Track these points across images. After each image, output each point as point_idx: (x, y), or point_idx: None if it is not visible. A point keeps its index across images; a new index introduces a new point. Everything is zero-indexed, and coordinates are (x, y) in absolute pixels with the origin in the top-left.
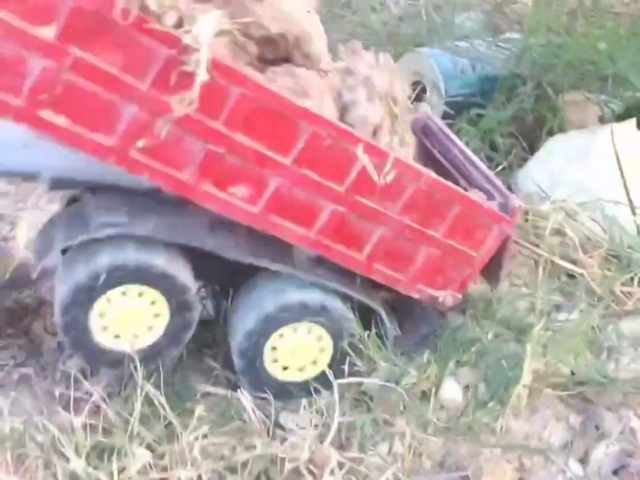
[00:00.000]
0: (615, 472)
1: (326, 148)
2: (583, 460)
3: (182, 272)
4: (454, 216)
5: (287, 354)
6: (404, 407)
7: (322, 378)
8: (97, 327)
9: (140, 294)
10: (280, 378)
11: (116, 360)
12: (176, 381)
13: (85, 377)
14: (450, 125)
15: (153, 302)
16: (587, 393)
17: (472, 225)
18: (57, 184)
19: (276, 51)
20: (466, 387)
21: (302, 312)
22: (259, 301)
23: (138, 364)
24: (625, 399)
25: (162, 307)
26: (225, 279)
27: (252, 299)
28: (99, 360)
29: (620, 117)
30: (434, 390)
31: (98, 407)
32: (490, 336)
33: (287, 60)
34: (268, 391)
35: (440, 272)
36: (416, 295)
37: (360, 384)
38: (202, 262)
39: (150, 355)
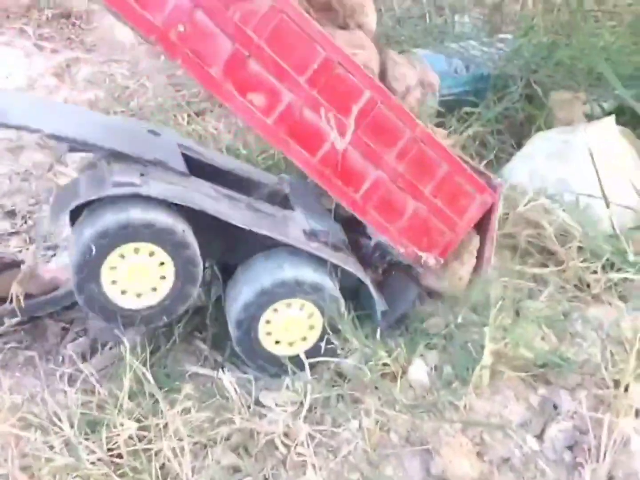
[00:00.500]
0: (570, 448)
1: (336, 76)
2: (539, 437)
3: (188, 232)
4: (441, 176)
5: (279, 328)
6: (375, 387)
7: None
8: (107, 281)
9: (150, 253)
10: (271, 351)
11: (127, 317)
12: (168, 362)
13: (85, 359)
14: (440, 124)
15: (162, 263)
16: (547, 375)
17: (458, 190)
18: (76, 146)
19: (334, 19)
20: (434, 369)
21: (297, 289)
22: (256, 276)
23: (127, 344)
24: (582, 380)
25: (169, 268)
26: (226, 256)
27: (251, 275)
28: (111, 317)
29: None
30: (401, 371)
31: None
32: (459, 320)
33: (342, 28)
34: (260, 362)
35: (425, 232)
36: (401, 250)
37: (338, 363)
38: (205, 238)
39: (157, 312)
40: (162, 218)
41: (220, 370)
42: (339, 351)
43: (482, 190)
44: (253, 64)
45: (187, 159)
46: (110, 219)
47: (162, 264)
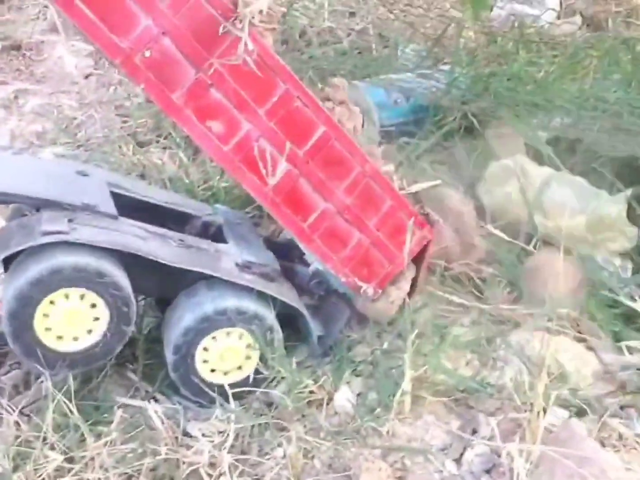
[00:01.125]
0: (487, 472)
1: (294, 109)
2: (458, 461)
3: (120, 275)
4: (385, 210)
5: (216, 356)
6: (302, 415)
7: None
8: (41, 329)
9: (81, 297)
10: (207, 378)
11: (65, 361)
12: (99, 394)
13: (19, 391)
14: None
15: (93, 305)
16: (468, 400)
17: (399, 225)
18: (4, 198)
19: None
20: (359, 395)
21: (237, 318)
22: (199, 303)
23: (48, 376)
24: (501, 405)
25: (102, 310)
26: (163, 292)
27: (193, 301)
28: (49, 363)
29: (549, 144)
30: (327, 398)
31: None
32: (385, 346)
33: None
34: (194, 389)
35: (366, 263)
36: (343, 279)
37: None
38: (140, 276)
39: (92, 355)
40: (93, 262)
41: (149, 401)
42: (269, 380)
43: (421, 226)
44: (214, 93)
45: (118, 197)
46: (40, 267)
47: (94, 306)
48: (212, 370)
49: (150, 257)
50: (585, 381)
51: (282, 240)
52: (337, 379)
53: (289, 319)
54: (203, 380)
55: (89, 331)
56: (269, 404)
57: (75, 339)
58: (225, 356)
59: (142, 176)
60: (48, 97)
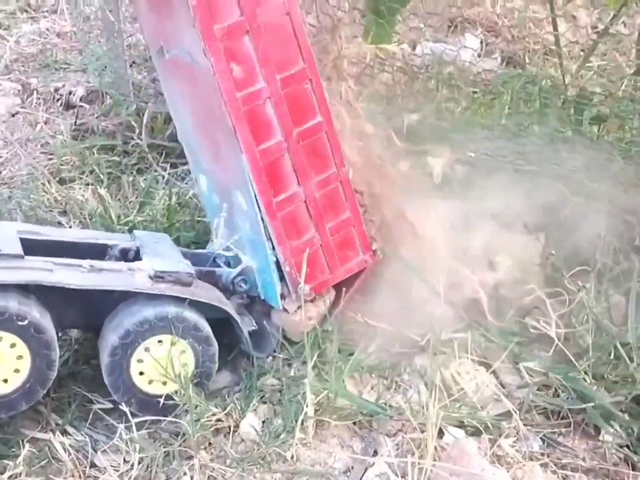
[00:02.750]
0: None
1: (303, 90)
2: None
3: (35, 313)
4: (343, 219)
5: (151, 366)
6: (209, 443)
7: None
8: None
9: None
10: (147, 390)
11: None
12: (10, 428)
13: None
14: None
15: (13, 345)
16: (373, 422)
17: (349, 239)
18: None
19: None
20: (265, 422)
21: (160, 327)
22: (119, 322)
23: None
24: (403, 426)
25: (23, 350)
26: (89, 321)
27: (114, 324)
28: None
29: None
30: (234, 426)
31: None
32: (293, 373)
33: None
34: (136, 403)
35: (310, 263)
36: (286, 268)
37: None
38: (59, 310)
39: (16, 398)
40: (6, 304)
41: (57, 433)
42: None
43: (366, 249)
44: (247, 40)
45: (28, 241)
46: None
47: (14, 345)
48: (150, 382)
49: (58, 286)
50: (484, 402)
51: (204, 251)
52: (244, 406)
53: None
54: (143, 392)
55: (5, 380)
56: (177, 434)
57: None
58: (159, 366)
59: (65, 212)
60: None
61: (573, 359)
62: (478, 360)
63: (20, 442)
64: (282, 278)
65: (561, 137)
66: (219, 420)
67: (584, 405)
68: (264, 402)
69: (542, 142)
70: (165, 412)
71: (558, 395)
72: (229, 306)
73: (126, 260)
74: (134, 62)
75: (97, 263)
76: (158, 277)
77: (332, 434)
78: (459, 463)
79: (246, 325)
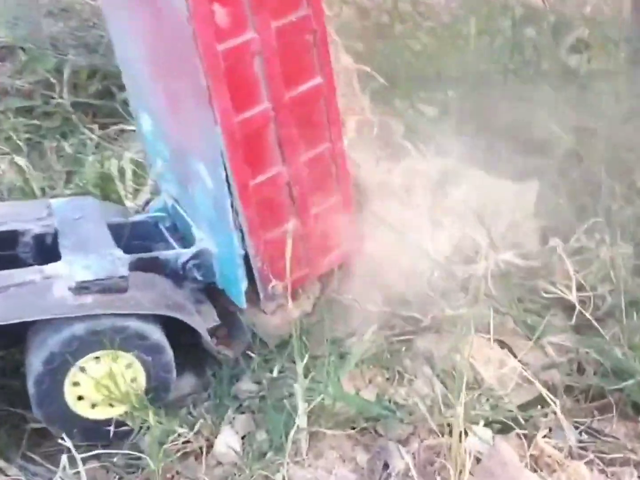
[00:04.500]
0: None
1: (303, 42)
2: None
3: None
4: (330, 205)
5: (91, 388)
6: (176, 472)
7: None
8: None
9: None
10: (90, 417)
11: None
12: None
13: None
14: None
15: None
16: (377, 427)
17: (334, 228)
18: None
19: None
20: (245, 438)
21: (93, 342)
22: (43, 341)
23: None
24: (415, 429)
25: None
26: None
27: (37, 341)
28: None
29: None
30: (206, 445)
31: None
32: (275, 373)
33: None
34: (80, 433)
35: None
36: (257, 264)
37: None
38: None
39: None
40: None
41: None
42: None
43: (353, 238)
44: None
45: None
46: None
47: None
48: (86, 402)
49: None
50: (504, 387)
51: (137, 220)
52: (217, 420)
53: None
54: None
55: None
56: (135, 465)
57: None
58: (99, 385)
59: None
60: None
61: (599, 328)
62: (490, 338)
63: None
64: (248, 272)
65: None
66: (187, 442)
67: (623, 384)
68: (242, 412)
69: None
70: (117, 439)
71: (583, 372)
72: (178, 311)
73: (42, 250)
74: (49, 12)
75: (3, 278)
76: (81, 288)
77: (329, 446)
78: (497, 476)
79: (207, 320)
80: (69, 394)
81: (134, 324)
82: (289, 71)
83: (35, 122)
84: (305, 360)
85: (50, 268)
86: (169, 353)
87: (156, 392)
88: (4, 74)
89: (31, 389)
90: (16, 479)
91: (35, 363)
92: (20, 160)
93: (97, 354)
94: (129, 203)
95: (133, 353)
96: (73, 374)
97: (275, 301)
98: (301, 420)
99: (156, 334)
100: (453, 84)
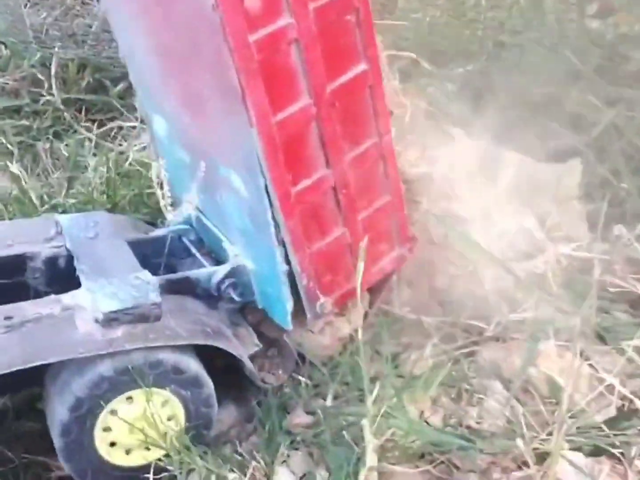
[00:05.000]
0: None
1: (344, 23)
2: None
3: None
4: (380, 206)
5: (124, 433)
6: None
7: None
8: None
9: None
10: (124, 464)
11: None
12: None
13: None
14: None
15: None
16: (451, 458)
17: (385, 231)
18: None
19: None
20: (304, 477)
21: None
22: (66, 385)
23: None
24: (495, 458)
25: None
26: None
27: (59, 385)
28: None
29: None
30: None
31: None
32: (328, 401)
33: None
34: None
35: (333, 269)
36: (303, 281)
37: None
38: None
39: None
40: None
41: None
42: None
43: (405, 241)
44: None
45: None
46: None
47: None
48: (112, 444)
49: None
50: (582, 399)
51: (159, 235)
52: (269, 458)
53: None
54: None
55: None
56: None
57: None
58: (134, 428)
59: None
60: None
61: None
62: (560, 344)
63: None
64: (293, 290)
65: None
66: None
67: None
68: (296, 448)
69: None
70: None
71: None
72: (217, 339)
73: (55, 275)
74: (29, 1)
75: (16, 312)
76: (110, 319)
77: None
78: None
79: (247, 345)
80: (101, 441)
81: (168, 357)
82: (331, 58)
83: (25, 122)
84: (375, 392)
85: (69, 297)
86: (209, 386)
87: (197, 430)
88: None
89: (58, 440)
90: None
91: (59, 411)
92: (14, 167)
93: (129, 393)
94: (169, 215)
95: (170, 389)
96: (103, 419)
97: (323, 318)
98: (371, 459)
99: (194, 366)
100: (472, 59)
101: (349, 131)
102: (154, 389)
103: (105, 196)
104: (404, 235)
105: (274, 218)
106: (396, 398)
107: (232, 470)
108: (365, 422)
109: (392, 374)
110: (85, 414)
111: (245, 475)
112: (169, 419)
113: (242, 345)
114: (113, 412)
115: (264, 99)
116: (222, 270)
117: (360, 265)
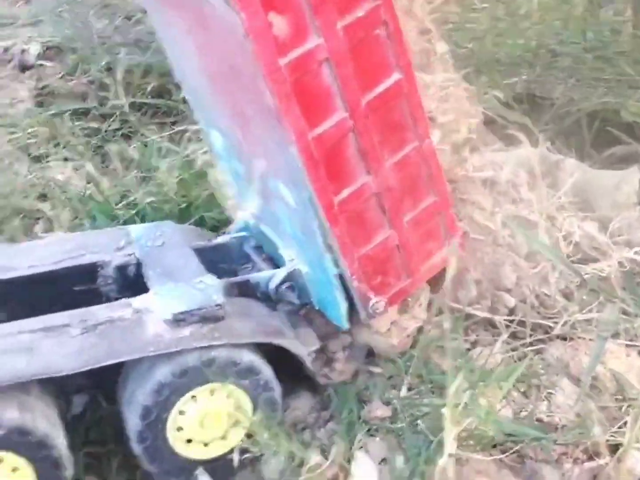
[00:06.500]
0: None
1: (374, 37)
2: None
3: (40, 422)
4: (425, 206)
5: (195, 422)
6: None
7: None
8: None
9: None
10: (183, 454)
11: None
12: None
13: None
14: None
15: (14, 469)
16: (522, 449)
17: (433, 229)
18: None
19: None
20: (382, 462)
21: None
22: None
23: None
24: (566, 448)
25: (26, 473)
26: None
27: (128, 396)
28: None
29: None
30: (342, 476)
31: None
32: (403, 392)
33: None
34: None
35: (382, 270)
36: (354, 284)
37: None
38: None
39: None
40: (3, 415)
41: None
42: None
43: (453, 238)
44: None
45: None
46: None
47: (16, 469)
48: (189, 441)
49: (46, 376)
50: None
51: (221, 242)
52: (348, 444)
53: None
54: (177, 455)
55: None
56: None
57: None
58: (205, 422)
59: (44, 196)
60: None
61: None
62: (625, 344)
63: None
64: (345, 291)
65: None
66: (319, 469)
67: None
68: (372, 435)
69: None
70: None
71: None
72: (278, 337)
73: (125, 282)
74: (92, 8)
75: (90, 315)
76: (178, 320)
77: (475, 470)
78: None
79: (307, 343)
80: (176, 441)
81: (221, 353)
82: (363, 72)
83: (93, 124)
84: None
85: (139, 301)
86: (266, 372)
87: (266, 414)
88: (54, 75)
89: (136, 447)
90: None
91: (132, 420)
92: (89, 166)
93: (192, 393)
94: (239, 215)
95: (230, 381)
96: (173, 421)
97: (388, 316)
98: (450, 446)
99: (247, 357)
100: (527, 68)
101: (387, 139)
102: (216, 384)
103: (179, 196)
104: (452, 232)
105: (320, 226)
106: (472, 390)
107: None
108: (445, 411)
109: (466, 367)
110: (155, 420)
111: (326, 458)
112: (236, 409)
113: (302, 345)
114: (181, 413)
115: (300, 118)
116: (279, 274)
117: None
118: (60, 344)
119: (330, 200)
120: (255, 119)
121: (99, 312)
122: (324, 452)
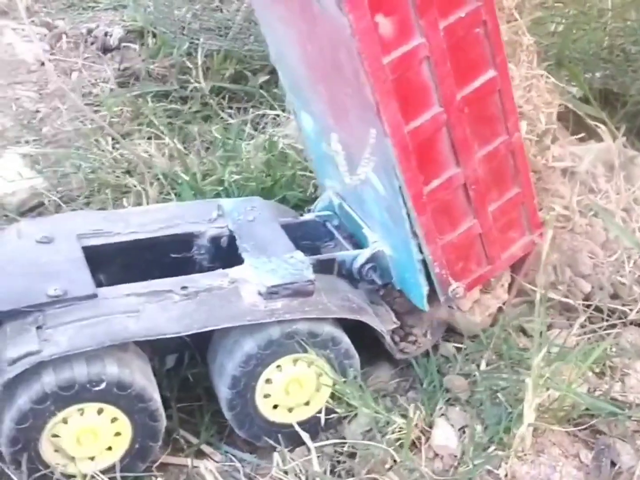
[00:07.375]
0: None
1: (473, 36)
2: None
3: (138, 377)
4: (510, 197)
5: (280, 389)
6: (394, 460)
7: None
8: (50, 451)
9: (99, 411)
10: (268, 417)
11: None
12: None
13: None
14: None
15: (113, 420)
16: (596, 424)
17: (515, 219)
18: None
19: None
20: (461, 430)
21: (308, 343)
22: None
23: None
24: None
25: (123, 424)
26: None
27: (218, 368)
28: None
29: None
30: (424, 438)
31: None
32: (482, 366)
33: None
34: (254, 430)
35: (464, 257)
36: (437, 269)
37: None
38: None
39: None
40: (104, 370)
41: (197, 455)
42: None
43: (536, 227)
44: None
45: (97, 249)
46: (24, 399)
47: (115, 419)
48: (275, 407)
49: (151, 337)
50: None
51: (306, 219)
52: (429, 411)
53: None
54: (264, 419)
55: (109, 448)
56: (340, 451)
57: (92, 458)
58: (290, 389)
59: (129, 173)
60: (2, 90)
61: None
62: None
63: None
64: (427, 275)
65: None
66: (401, 429)
67: None
68: (451, 404)
69: None
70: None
71: None
72: (362, 314)
73: (219, 252)
74: None
75: (191, 282)
76: (271, 293)
77: (550, 442)
78: None
79: (385, 322)
80: (263, 406)
81: (302, 326)
82: (460, 70)
83: (174, 106)
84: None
85: (235, 272)
86: (346, 341)
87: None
88: (136, 58)
89: (226, 413)
90: (231, 465)
91: (222, 389)
92: (177, 144)
93: (277, 362)
94: (323, 194)
95: (310, 352)
96: (261, 389)
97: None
98: (530, 416)
99: (327, 328)
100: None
101: (478, 132)
102: (296, 355)
103: (264, 175)
104: (534, 222)
105: (408, 214)
106: (553, 364)
107: (399, 416)
108: (528, 381)
109: (545, 344)
110: (244, 389)
111: (408, 420)
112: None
113: (382, 322)
114: (268, 381)
115: (397, 113)
116: (364, 254)
117: None
118: (163, 308)
119: (419, 190)
120: (353, 110)
121: (198, 279)
122: (406, 418)
